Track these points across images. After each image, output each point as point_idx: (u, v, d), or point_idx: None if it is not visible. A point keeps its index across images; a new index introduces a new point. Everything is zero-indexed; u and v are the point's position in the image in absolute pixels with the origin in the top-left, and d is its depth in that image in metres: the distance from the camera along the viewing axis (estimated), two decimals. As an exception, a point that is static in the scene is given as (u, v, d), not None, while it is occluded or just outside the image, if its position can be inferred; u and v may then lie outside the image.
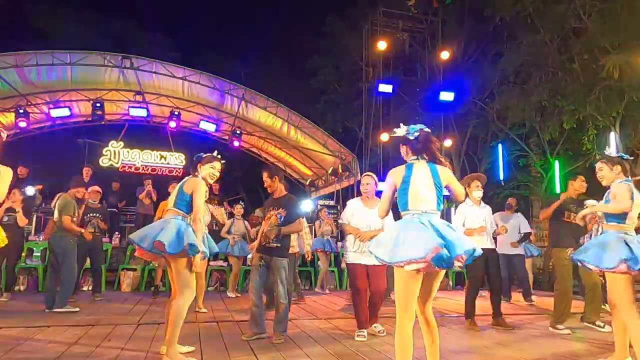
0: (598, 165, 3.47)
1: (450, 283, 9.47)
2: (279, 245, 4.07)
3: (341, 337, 4.28)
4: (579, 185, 5.01)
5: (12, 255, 6.28)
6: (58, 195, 5.77)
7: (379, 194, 4.43)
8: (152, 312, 5.45)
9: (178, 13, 24.44)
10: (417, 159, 2.73)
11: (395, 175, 2.72)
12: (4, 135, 3.22)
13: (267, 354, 3.55)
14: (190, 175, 3.51)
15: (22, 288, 7.38)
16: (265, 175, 4.22)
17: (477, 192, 4.96)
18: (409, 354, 2.49)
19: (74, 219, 5.64)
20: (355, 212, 4.40)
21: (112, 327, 4.42)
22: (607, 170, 3.38)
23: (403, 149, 2.83)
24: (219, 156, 3.61)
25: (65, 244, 5.51)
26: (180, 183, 3.49)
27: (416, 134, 2.74)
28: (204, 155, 3.56)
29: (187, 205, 3.35)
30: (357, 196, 4.92)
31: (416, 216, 2.57)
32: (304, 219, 4.44)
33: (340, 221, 4.57)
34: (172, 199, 3.44)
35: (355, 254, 4.33)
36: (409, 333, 2.50)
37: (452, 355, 3.63)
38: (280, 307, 4.04)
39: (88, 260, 6.62)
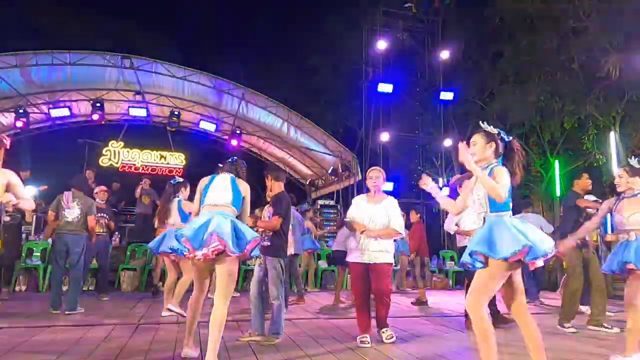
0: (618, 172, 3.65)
1: (450, 283, 9.47)
2: (269, 243, 4.00)
3: (342, 337, 4.27)
4: (584, 183, 5.06)
5: (13, 254, 6.37)
6: (69, 194, 5.56)
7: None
8: (152, 312, 5.45)
9: (178, 13, 24.42)
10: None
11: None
12: (7, 142, 3.32)
13: (267, 354, 3.55)
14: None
15: (22, 288, 7.38)
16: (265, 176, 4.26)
17: None
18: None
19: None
20: (360, 208, 4.20)
21: (112, 328, 4.42)
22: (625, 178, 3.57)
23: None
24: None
25: (84, 244, 5.49)
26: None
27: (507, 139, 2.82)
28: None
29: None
30: (357, 195, 4.82)
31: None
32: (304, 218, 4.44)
33: (345, 219, 4.35)
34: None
35: (355, 251, 4.10)
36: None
37: (452, 355, 3.64)
38: (273, 308, 3.99)
39: (94, 260, 6.68)
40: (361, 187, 11.30)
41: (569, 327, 4.69)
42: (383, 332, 4.06)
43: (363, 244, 4.05)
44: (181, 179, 5.47)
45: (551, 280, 9.91)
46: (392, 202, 4.21)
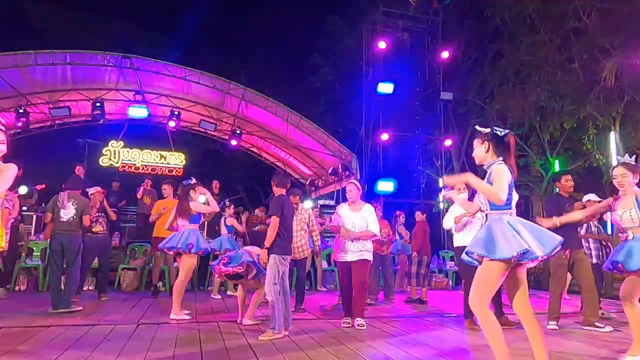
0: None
1: (450, 283, 9.46)
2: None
3: (342, 337, 4.28)
4: (563, 185, 5.18)
5: (11, 255, 6.44)
6: (64, 194, 5.58)
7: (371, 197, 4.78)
8: (152, 312, 5.46)
9: (178, 13, 24.44)
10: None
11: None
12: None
13: (267, 354, 3.55)
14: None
15: (22, 288, 7.38)
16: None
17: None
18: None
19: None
20: (343, 215, 4.97)
21: (112, 327, 4.42)
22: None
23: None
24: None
25: (79, 244, 5.57)
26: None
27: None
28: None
29: None
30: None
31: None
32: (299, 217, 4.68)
33: (330, 223, 5.12)
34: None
35: (341, 252, 4.85)
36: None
37: (452, 355, 3.64)
38: (269, 304, 4.17)
39: (95, 260, 6.70)
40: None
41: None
42: (357, 320, 4.69)
43: (347, 246, 4.81)
44: (193, 180, 5.46)
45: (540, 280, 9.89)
46: (370, 209, 5.00)
